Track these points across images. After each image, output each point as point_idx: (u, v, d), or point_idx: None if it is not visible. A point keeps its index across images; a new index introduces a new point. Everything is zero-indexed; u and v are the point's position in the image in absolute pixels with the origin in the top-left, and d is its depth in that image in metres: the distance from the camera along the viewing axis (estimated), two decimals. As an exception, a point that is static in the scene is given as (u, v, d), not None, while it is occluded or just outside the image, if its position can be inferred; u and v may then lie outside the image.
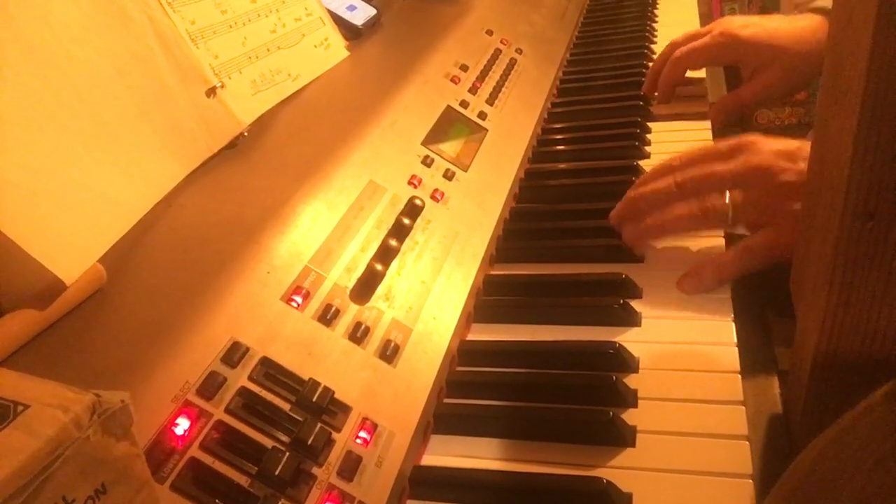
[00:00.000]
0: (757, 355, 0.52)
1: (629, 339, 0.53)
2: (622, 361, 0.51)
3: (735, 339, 0.52)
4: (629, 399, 0.48)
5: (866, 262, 0.37)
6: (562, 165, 0.79)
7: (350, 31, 0.86)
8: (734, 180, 0.58)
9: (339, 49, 0.81)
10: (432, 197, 0.63)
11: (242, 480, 0.38)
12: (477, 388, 0.52)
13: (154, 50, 0.59)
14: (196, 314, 0.44)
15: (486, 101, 0.80)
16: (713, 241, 0.62)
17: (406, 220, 0.58)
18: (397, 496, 0.43)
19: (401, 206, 0.59)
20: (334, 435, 0.42)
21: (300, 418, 0.42)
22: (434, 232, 0.60)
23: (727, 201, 0.58)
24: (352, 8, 0.88)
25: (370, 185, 0.59)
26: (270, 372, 0.43)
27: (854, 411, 0.34)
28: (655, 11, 1.20)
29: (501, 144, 0.76)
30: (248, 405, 0.41)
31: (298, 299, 0.48)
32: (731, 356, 0.50)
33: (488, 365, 0.54)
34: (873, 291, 0.37)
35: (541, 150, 0.83)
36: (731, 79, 0.97)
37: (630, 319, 0.55)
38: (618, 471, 0.44)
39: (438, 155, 0.68)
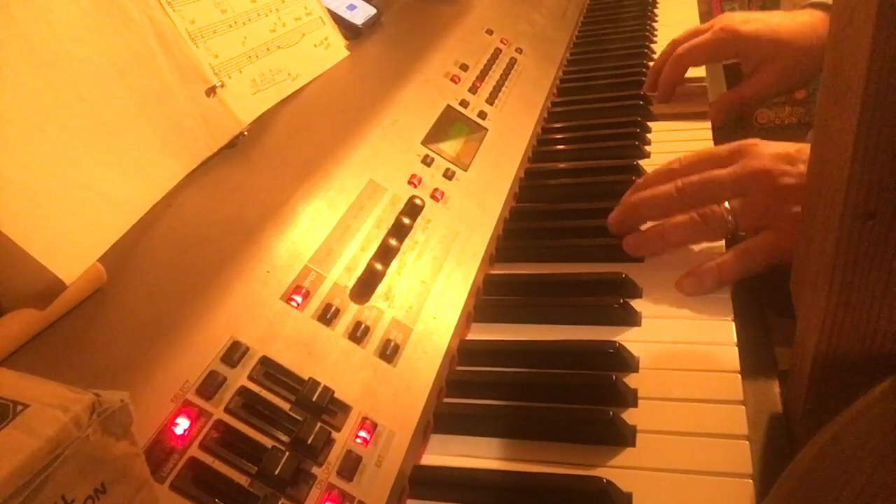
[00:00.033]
0: (757, 355, 0.51)
1: (629, 338, 0.53)
2: (622, 361, 0.51)
3: (735, 339, 0.52)
4: (629, 399, 0.48)
5: (867, 262, 0.37)
6: (562, 165, 0.79)
7: (350, 31, 0.86)
8: (734, 185, 0.58)
9: (339, 48, 0.81)
10: (432, 196, 0.63)
11: (242, 480, 0.38)
12: (477, 387, 0.52)
13: (154, 49, 0.59)
14: (196, 314, 0.44)
15: (487, 101, 0.80)
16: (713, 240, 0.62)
17: (406, 220, 0.58)
18: (397, 496, 0.43)
19: (401, 206, 0.59)
20: (334, 434, 0.42)
21: (300, 418, 0.42)
22: (434, 231, 0.60)
23: (726, 206, 0.58)
24: (352, 7, 0.88)
25: (370, 185, 0.59)
26: (270, 371, 0.43)
27: (852, 409, 0.34)
28: (655, 11, 1.20)
29: (501, 144, 0.76)
30: (248, 405, 0.41)
31: (298, 299, 0.48)
32: (731, 356, 0.50)
33: (488, 364, 0.54)
34: (873, 291, 0.37)
35: (541, 149, 0.83)
36: (731, 78, 0.97)
37: (630, 319, 0.55)
38: (618, 470, 0.44)
39: (438, 154, 0.68)
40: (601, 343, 0.53)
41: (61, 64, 0.51)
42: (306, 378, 0.44)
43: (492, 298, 0.61)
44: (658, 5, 1.23)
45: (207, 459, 0.38)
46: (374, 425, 0.44)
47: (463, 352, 0.55)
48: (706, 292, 0.56)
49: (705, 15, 1.18)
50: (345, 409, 0.44)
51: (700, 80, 0.92)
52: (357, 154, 0.61)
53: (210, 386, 0.41)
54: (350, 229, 0.55)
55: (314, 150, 0.61)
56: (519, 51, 0.93)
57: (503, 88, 0.84)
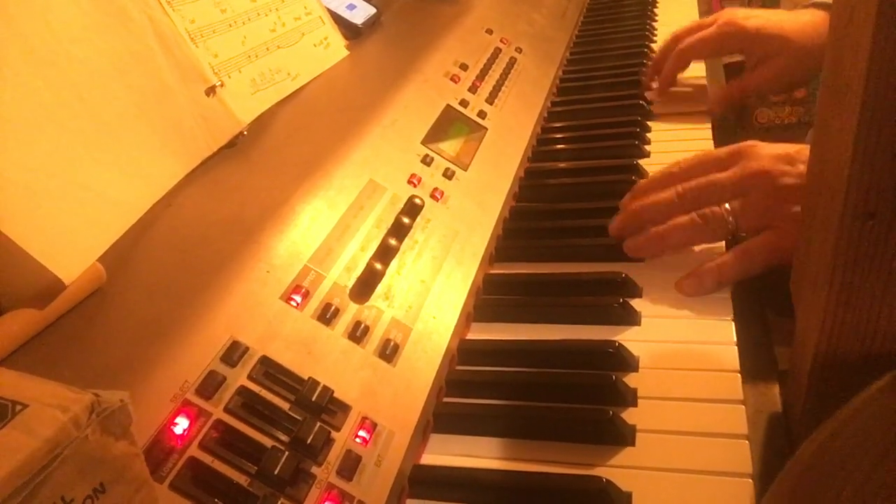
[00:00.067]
0: (757, 355, 0.51)
1: (629, 338, 0.53)
2: (622, 360, 0.51)
3: (735, 339, 0.52)
4: (629, 398, 0.48)
5: (866, 262, 0.37)
6: (561, 164, 0.79)
7: (350, 30, 0.86)
8: (734, 188, 0.58)
9: (338, 48, 0.81)
10: (432, 196, 0.63)
11: (242, 480, 0.38)
12: (476, 387, 0.52)
13: (154, 49, 0.59)
14: (195, 313, 0.44)
15: (486, 100, 0.80)
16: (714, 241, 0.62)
17: (406, 220, 0.58)
18: (397, 495, 0.43)
19: (400, 206, 0.59)
20: (334, 434, 0.42)
21: (299, 417, 0.42)
22: (434, 231, 0.60)
23: (727, 207, 0.58)
24: (351, 7, 0.88)
25: (370, 184, 0.59)
26: (270, 371, 0.43)
27: (851, 405, 0.34)
28: (655, 10, 1.20)
29: (501, 143, 0.76)
30: (248, 404, 0.41)
31: (298, 298, 0.48)
32: (730, 355, 0.50)
33: (488, 364, 0.54)
34: (873, 291, 0.37)
35: (540, 149, 0.83)
36: (730, 77, 0.97)
37: (630, 318, 0.55)
38: (617, 470, 0.44)
39: (438, 154, 0.68)
40: (601, 343, 0.53)
41: (61, 64, 0.51)
42: (306, 378, 0.44)
43: (491, 298, 0.61)
44: (658, 5, 1.23)
45: (207, 459, 0.38)
46: (374, 425, 0.44)
47: (462, 351, 0.55)
48: (706, 293, 0.56)
49: (705, 14, 1.18)
50: (344, 408, 0.44)
51: (699, 79, 0.92)
52: (357, 154, 0.61)
53: (209, 386, 0.41)
54: (350, 229, 0.55)
55: (314, 150, 0.61)
56: (519, 50, 0.93)
57: (503, 88, 0.84)
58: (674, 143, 0.80)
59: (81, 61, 0.52)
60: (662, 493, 0.42)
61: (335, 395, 0.44)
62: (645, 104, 0.89)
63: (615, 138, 0.82)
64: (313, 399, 0.43)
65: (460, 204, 0.64)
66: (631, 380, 0.50)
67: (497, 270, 0.64)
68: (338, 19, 0.84)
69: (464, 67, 0.82)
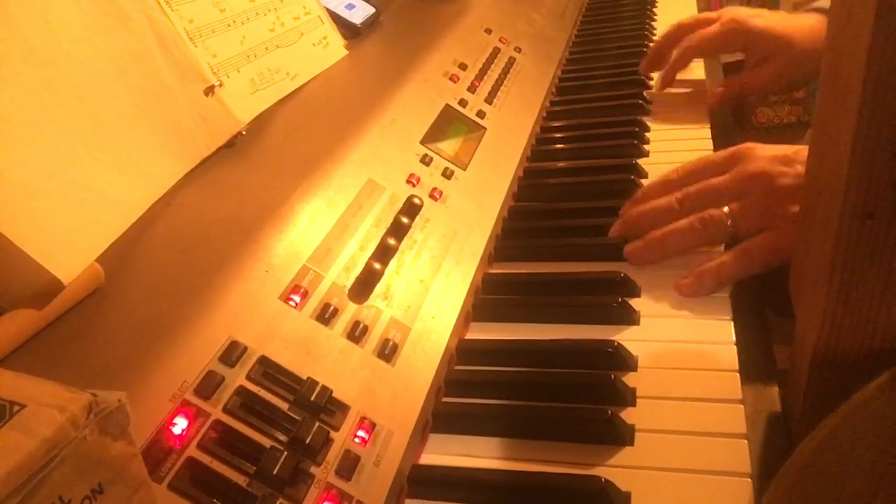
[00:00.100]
0: (756, 354, 0.51)
1: (628, 337, 0.53)
2: (621, 360, 0.51)
3: (734, 338, 0.52)
4: (628, 398, 0.48)
5: (865, 262, 0.37)
6: (561, 164, 0.79)
7: (349, 30, 0.86)
8: (733, 190, 0.58)
9: (337, 48, 0.81)
10: (431, 196, 0.63)
11: (240, 480, 0.38)
12: (475, 387, 0.52)
13: (153, 49, 0.59)
14: (194, 313, 0.44)
15: (485, 100, 0.79)
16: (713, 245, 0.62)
17: (405, 219, 0.58)
18: (396, 495, 0.43)
19: (399, 205, 0.59)
20: (332, 434, 0.42)
21: (298, 417, 0.42)
22: (433, 231, 0.60)
23: (725, 210, 0.58)
24: (350, 6, 0.88)
25: (369, 184, 0.59)
26: (269, 371, 0.43)
27: (850, 403, 0.34)
28: (654, 10, 1.20)
29: (500, 143, 0.76)
30: (247, 404, 0.41)
31: (297, 298, 0.48)
32: (729, 355, 0.50)
33: (487, 364, 0.54)
34: (872, 290, 0.37)
35: (540, 148, 0.83)
36: (730, 75, 0.97)
37: (629, 318, 0.55)
38: (616, 470, 0.44)
39: (437, 154, 0.68)
40: (600, 342, 0.53)
41: (60, 64, 0.51)
42: (305, 378, 0.44)
43: (490, 298, 0.61)
44: (657, 5, 1.22)
45: (205, 459, 0.38)
46: (373, 425, 0.44)
47: (461, 351, 0.55)
48: (705, 293, 0.56)
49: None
50: (343, 408, 0.44)
51: (699, 79, 0.92)
52: (356, 153, 0.61)
53: (208, 386, 0.41)
54: (349, 229, 0.55)
55: (313, 150, 0.61)
56: (518, 50, 0.93)
57: (502, 87, 0.84)
58: (673, 143, 0.80)
59: (81, 61, 0.52)
60: (661, 492, 0.42)
61: (334, 394, 0.44)
62: (644, 103, 0.88)
63: (614, 137, 0.82)
64: (312, 399, 0.43)
65: (459, 203, 0.64)
66: (630, 379, 0.50)
67: (496, 270, 0.64)
68: (337, 19, 0.84)
69: (463, 67, 0.82)
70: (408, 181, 0.62)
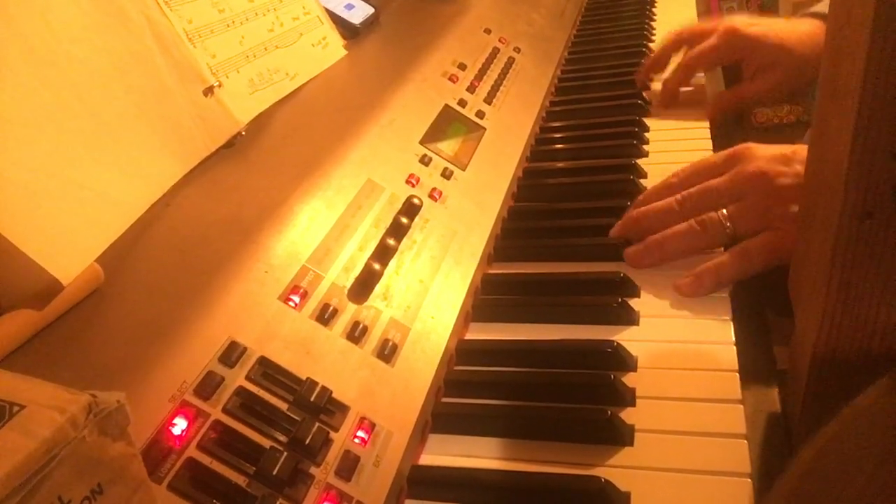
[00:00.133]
0: (755, 354, 0.52)
1: (627, 337, 0.53)
2: (620, 360, 0.51)
3: (733, 338, 0.52)
4: (627, 398, 0.48)
5: (865, 261, 0.37)
6: (560, 164, 0.79)
7: (348, 30, 0.86)
8: (732, 191, 0.58)
9: (336, 48, 0.81)
10: (430, 196, 0.63)
11: (240, 480, 0.38)
12: (475, 387, 0.52)
13: (152, 49, 0.59)
14: (194, 314, 0.44)
15: (485, 100, 0.79)
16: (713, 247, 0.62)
17: (404, 220, 0.58)
18: (395, 496, 0.43)
19: (399, 205, 0.59)
20: (332, 434, 0.42)
21: (298, 418, 0.42)
22: (432, 231, 0.60)
23: (724, 212, 0.58)
24: (350, 7, 0.88)
25: (368, 184, 0.59)
26: (268, 371, 0.43)
27: (852, 408, 0.34)
28: (654, 10, 1.20)
29: (500, 143, 0.76)
30: (246, 405, 0.41)
31: (296, 299, 0.48)
32: (729, 355, 0.50)
33: (486, 364, 0.54)
34: (872, 290, 0.37)
35: (539, 148, 0.83)
36: (729, 78, 0.97)
37: (628, 318, 0.55)
38: (616, 470, 0.44)
39: (436, 154, 0.68)
40: (599, 342, 0.53)
41: (60, 64, 0.51)
42: (304, 378, 0.44)
43: (490, 298, 0.61)
44: (656, 5, 1.22)
45: (205, 460, 0.38)
46: (373, 425, 0.44)
47: (461, 351, 0.55)
48: (705, 293, 0.56)
49: (703, 14, 1.18)
50: (343, 409, 0.44)
51: (698, 80, 0.92)
52: (355, 153, 0.61)
53: (208, 386, 0.41)
54: (348, 229, 0.55)
55: (312, 150, 0.61)
56: (517, 50, 0.93)
57: (501, 88, 0.84)
58: (672, 143, 0.80)
59: (81, 61, 0.52)
60: (661, 492, 0.42)
61: (333, 395, 0.44)
62: (643, 103, 0.89)
63: (614, 138, 0.82)
64: (312, 399, 0.43)
65: (459, 204, 0.64)
66: (629, 379, 0.50)
67: (495, 270, 0.64)
68: (336, 19, 0.84)
69: (462, 67, 0.82)
70: (407, 181, 0.62)
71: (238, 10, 0.70)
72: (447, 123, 0.72)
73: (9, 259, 0.43)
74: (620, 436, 0.45)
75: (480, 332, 0.57)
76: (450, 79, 0.78)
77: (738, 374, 0.48)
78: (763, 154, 0.59)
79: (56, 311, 0.44)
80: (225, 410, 0.40)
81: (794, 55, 0.82)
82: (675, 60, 0.90)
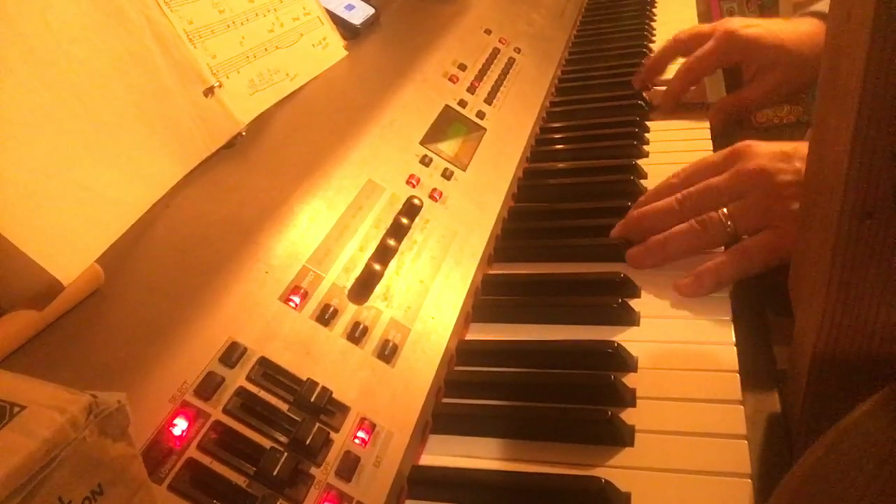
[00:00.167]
0: (755, 354, 0.52)
1: (628, 338, 0.53)
2: (621, 361, 0.51)
3: (734, 339, 0.52)
4: (627, 398, 0.48)
5: (864, 261, 0.37)
6: (560, 164, 0.79)
7: (348, 31, 0.85)
8: (733, 189, 0.58)
9: (337, 48, 0.81)
10: (431, 196, 0.63)
11: (240, 481, 0.38)
12: (475, 387, 0.52)
13: (152, 50, 0.59)
14: (194, 314, 0.44)
15: (485, 101, 0.80)
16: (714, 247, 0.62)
17: (404, 220, 0.58)
18: (396, 496, 0.43)
19: (399, 206, 0.59)
20: (332, 435, 0.42)
21: (298, 418, 0.42)
22: (432, 231, 0.60)
23: (724, 211, 0.58)
24: (350, 7, 0.88)
25: (368, 185, 0.59)
26: (268, 372, 0.43)
27: (852, 415, 0.34)
28: (654, 10, 1.20)
29: (500, 143, 0.76)
30: (246, 405, 0.41)
31: (296, 299, 0.48)
32: (729, 355, 0.50)
33: (487, 364, 0.54)
34: (871, 290, 0.37)
35: (539, 149, 0.83)
36: (729, 79, 0.97)
37: (628, 319, 0.55)
38: (616, 470, 0.44)
39: (437, 154, 0.68)
40: (600, 343, 0.53)
41: (59, 64, 0.51)
42: (304, 378, 0.44)
43: (490, 298, 0.61)
44: (656, 5, 1.23)
45: (205, 460, 0.38)
46: (373, 426, 0.44)
47: (461, 352, 0.55)
48: (705, 293, 0.56)
49: (703, 15, 1.18)
50: (343, 409, 0.44)
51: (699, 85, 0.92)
52: (355, 154, 0.61)
53: (208, 386, 0.41)
54: (348, 229, 0.55)
55: (312, 150, 0.61)
56: (517, 50, 0.93)
57: (501, 88, 0.84)
58: (673, 143, 0.80)
59: (80, 61, 0.52)
60: (661, 493, 0.42)
61: (334, 395, 0.44)
62: (644, 104, 0.88)
63: (614, 138, 0.82)
64: (312, 400, 0.43)
65: (459, 204, 0.64)
66: (630, 380, 0.50)
67: (496, 271, 0.64)
68: (336, 19, 0.84)
69: (462, 67, 0.82)
70: (407, 182, 0.62)
71: (238, 11, 0.70)
72: (447, 124, 0.72)
73: (9, 259, 0.43)
74: (621, 436, 0.45)
75: (481, 333, 0.57)
76: (450, 79, 0.78)
77: (738, 375, 0.48)
78: (763, 151, 0.59)
79: (56, 311, 0.44)
80: (225, 411, 0.40)
81: (794, 55, 0.82)
82: (673, 66, 0.90)
